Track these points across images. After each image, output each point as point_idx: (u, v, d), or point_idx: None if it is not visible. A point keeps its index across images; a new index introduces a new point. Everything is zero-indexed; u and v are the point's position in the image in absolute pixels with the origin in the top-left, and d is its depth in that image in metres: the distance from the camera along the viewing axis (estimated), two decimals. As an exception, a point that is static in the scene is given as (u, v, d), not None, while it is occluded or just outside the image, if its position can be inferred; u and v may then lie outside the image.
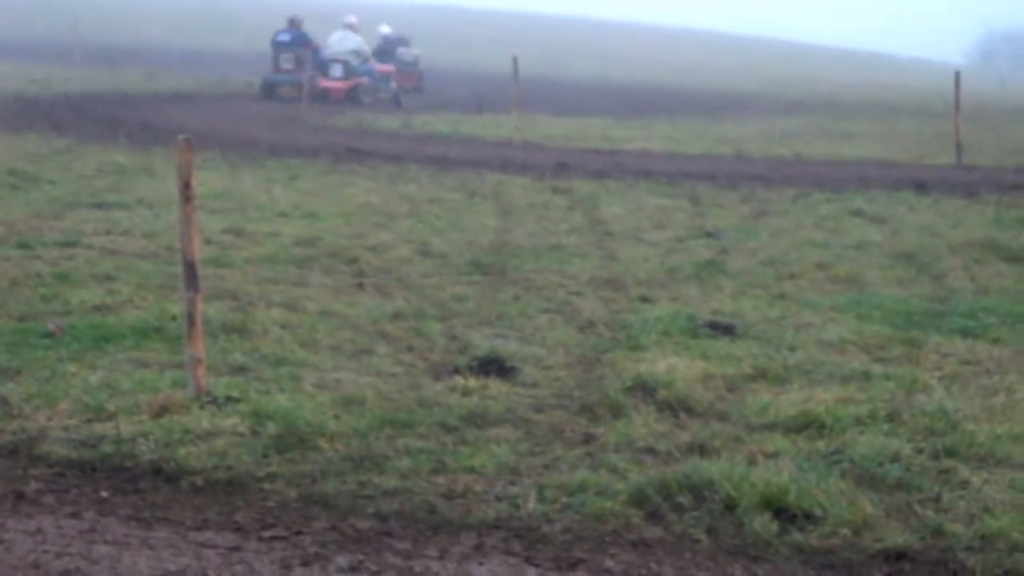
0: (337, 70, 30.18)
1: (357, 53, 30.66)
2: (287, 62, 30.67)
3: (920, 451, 6.51)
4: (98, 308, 9.10)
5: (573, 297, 10.27)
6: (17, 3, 73.89)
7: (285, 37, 30.98)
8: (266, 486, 5.97)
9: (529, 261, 11.68)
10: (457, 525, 5.62)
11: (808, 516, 5.62)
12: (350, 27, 30.85)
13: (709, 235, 13.44)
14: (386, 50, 33.46)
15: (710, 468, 5.97)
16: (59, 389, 7.17)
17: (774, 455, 6.35)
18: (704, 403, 7.33)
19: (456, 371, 7.82)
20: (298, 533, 5.50)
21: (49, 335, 8.29)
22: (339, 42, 30.65)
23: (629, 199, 16.15)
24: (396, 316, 9.31)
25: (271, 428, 6.58)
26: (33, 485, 5.94)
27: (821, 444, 6.59)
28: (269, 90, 30.50)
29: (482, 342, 8.61)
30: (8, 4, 72.23)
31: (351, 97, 30.01)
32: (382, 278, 10.69)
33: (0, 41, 45.47)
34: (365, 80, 30.75)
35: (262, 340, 8.43)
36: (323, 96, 29.33)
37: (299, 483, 6.00)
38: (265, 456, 6.29)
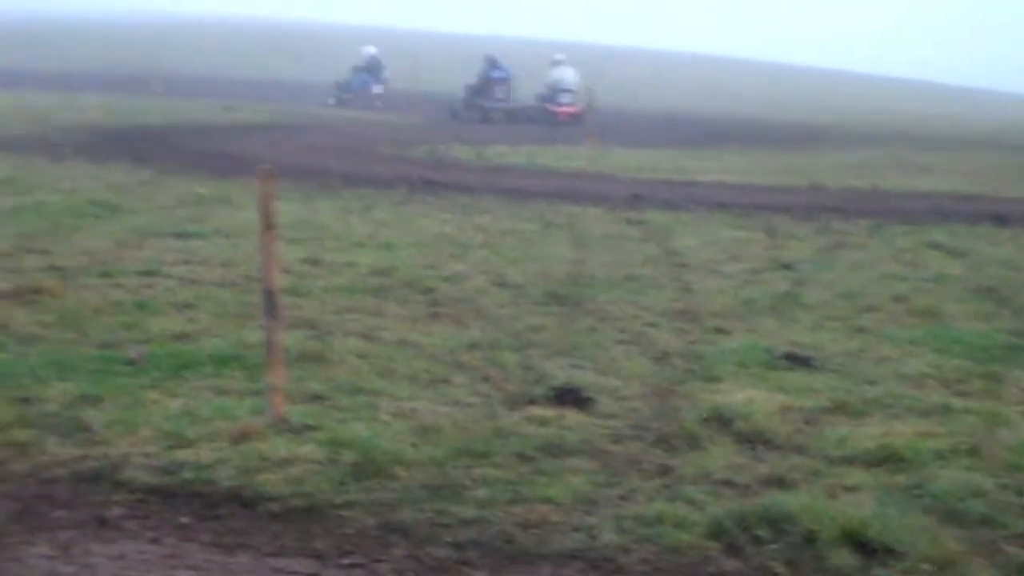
0: (566, 97, 36.37)
1: (575, 84, 36.57)
2: (501, 92, 37.15)
3: (1004, 487, 6.42)
4: (178, 336, 9.20)
5: (648, 328, 10.25)
6: (98, 37, 75.19)
7: (500, 74, 37.40)
8: (344, 513, 6.00)
9: (604, 292, 11.67)
10: (534, 555, 5.61)
11: (889, 551, 5.55)
12: (563, 63, 36.90)
13: (785, 267, 13.36)
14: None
15: (789, 501, 5.93)
16: (140, 416, 7.26)
17: (854, 489, 6.30)
18: (782, 435, 7.28)
19: (532, 401, 7.83)
20: (376, 561, 5.52)
21: (130, 363, 8.39)
22: (565, 75, 36.67)
23: (703, 230, 16.10)
24: (472, 346, 9.33)
25: (348, 456, 6.61)
26: (116, 510, 6.01)
27: (902, 478, 6.52)
28: (485, 114, 36.39)
29: (558, 372, 8.61)
30: (89, 38, 73.51)
31: (576, 120, 34.59)
32: (457, 308, 10.72)
33: (83, 74, 46.24)
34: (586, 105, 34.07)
35: (339, 369, 8.48)
36: (552, 119, 35.24)
37: (377, 511, 6.02)
38: (342, 484, 6.32)
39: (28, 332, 9.11)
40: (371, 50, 41.82)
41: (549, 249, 14.20)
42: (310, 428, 7.05)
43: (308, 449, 6.71)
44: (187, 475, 6.42)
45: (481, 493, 6.22)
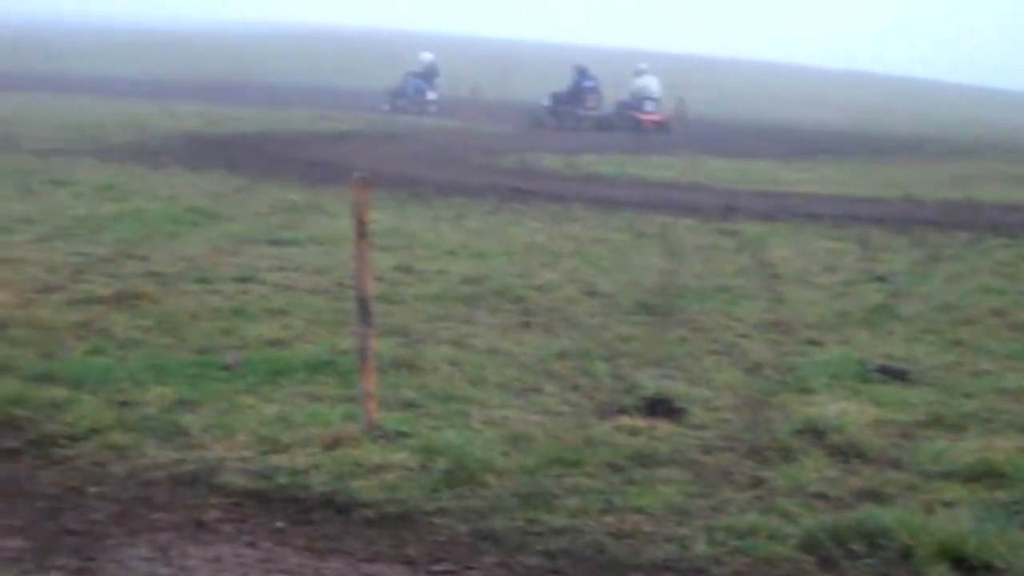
0: (650, 105, 37.09)
1: (659, 92, 37.40)
2: (592, 101, 38.11)
3: (1106, 504, 6.29)
4: (272, 342, 9.31)
5: (740, 339, 10.19)
6: (196, 46, 76.33)
7: (590, 83, 38.33)
8: (436, 521, 6.04)
9: (696, 302, 11.63)
10: (626, 565, 5.61)
11: (989, 568, 5.48)
12: (646, 72, 37.52)
13: (879, 279, 13.22)
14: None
15: (885, 515, 5.86)
16: (236, 421, 7.35)
17: (951, 504, 6.22)
18: (877, 449, 7.20)
19: (623, 411, 7.82)
20: (468, 568, 5.54)
21: (226, 368, 8.51)
22: (649, 83, 37.41)
23: (797, 241, 15.98)
24: (562, 355, 9.34)
25: (441, 463, 6.65)
26: (212, 514, 6.09)
27: (1001, 494, 6.42)
28: (577, 122, 37.29)
29: (649, 382, 8.60)
30: (187, 47, 74.66)
31: (660, 128, 36.06)
32: (548, 317, 10.73)
33: (181, 83, 46.97)
34: (670, 114, 37.37)
35: (431, 376, 8.53)
36: (638, 126, 35.92)
37: (468, 518, 6.05)
38: (435, 490, 6.35)
39: (128, 337, 9.27)
40: (428, 56, 42.03)
41: (640, 259, 14.18)
42: (403, 435, 7.09)
43: (401, 456, 6.76)
44: (282, 480, 6.49)
45: (572, 502, 6.22)
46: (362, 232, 7.39)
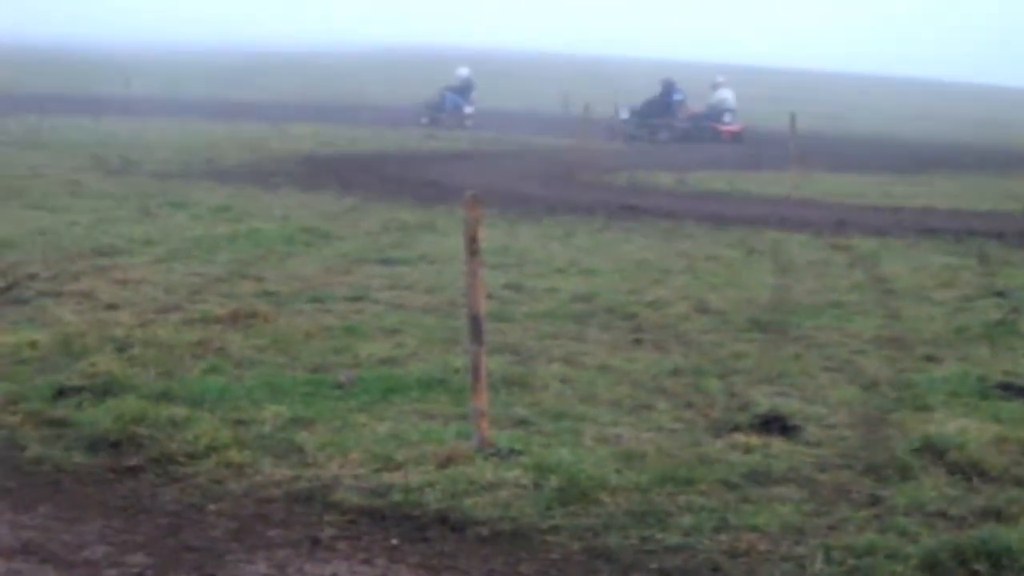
0: (728, 117, 39.11)
1: (735, 104, 39.75)
2: (682, 114, 39.16)
3: None
4: (385, 360, 9.39)
5: (856, 356, 10.06)
6: (308, 68, 77.35)
7: (680, 96, 39.34)
8: (550, 538, 6.03)
9: (809, 319, 11.50)
10: (741, 584, 5.55)
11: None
12: (723, 84, 39.59)
13: (999, 294, 12.95)
14: None
15: (1008, 535, 5.74)
16: (350, 439, 7.42)
17: (1077, 524, 6.06)
18: (998, 467, 7.05)
19: (737, 428, 7.75)
20: (582, 586, 5.52)
21: (340, 386, 8.59)
22: (727, 95, 39.49)
23: (912, 257, 15.73)
24: (675, 372, 9.29)
25: (553, 481, 6.64)
26: (328, 531, 6.15)
27: None
28: (673, 134, 38.41)
29: (763, 400, 8.52)
30: (299, 69, 75.64)
31: (737, 138, 38.10)
32: (660, 334, 10.69)
33: (292, 104, 47.61)
34: (744, 125, 39.52)
35: (543, 394, 8.54)
36: (717, 136, 37.81)
37: (582, 536, 6.04)
38: (548, 508, 6.35)
39: (244, 356, 9.41)
40: (464, 71, 42.76)
41: (753, 275, 14.06)
42: (515, 453, 7.10)
43: (514, 474, 6.77)
44: (396, 497, 6.53)
45: (687, 520, 6.18)
46: (473, 250, 7.42)
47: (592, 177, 26.20)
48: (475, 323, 7.43)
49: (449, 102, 42.08)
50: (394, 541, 6.04)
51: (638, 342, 10.38)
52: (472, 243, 7.42)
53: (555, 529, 6.13)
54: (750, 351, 10.11)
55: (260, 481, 6.80)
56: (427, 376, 8.85)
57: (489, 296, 11.22)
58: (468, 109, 41.86)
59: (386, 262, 14.07)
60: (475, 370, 7.41)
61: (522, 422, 7.87)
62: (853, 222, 19.03)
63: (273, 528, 6.20)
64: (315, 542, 6.01)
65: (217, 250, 14.43)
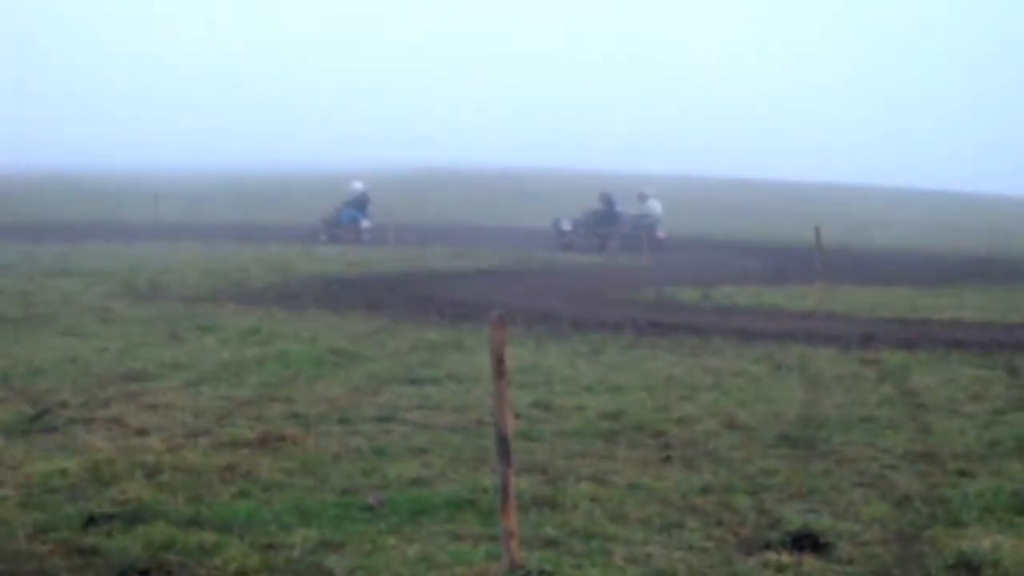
0: (659, 225, 42.11)
1: (662, 214, 42.82)
2: (626, 224, 41.76)
3: None
4: (414, 481, 9.38)
5: (887, 471, 10.00)
6: (332, 189, 78.11)
7: (621, 208, 42.31)
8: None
9: (839, 434, 11.44)
10: None
11: None
12: (653, 196, 42.85)
13: (1030, 406, 12.87)
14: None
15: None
16: (380, 562, 7.39)
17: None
18: (1034, 583, 6.97)
19: (768, 546, 7.70)
20: None
21: (369, 508, 8.58)
22: (658, 206, 42.62)
23: (941, 370, 15.66)
24: (705, 490, 9.25)
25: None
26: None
27: None
28: (623, 242, 40.94)
29: (794, 516, 8.47)
30: (325, 191, 76.41)
31: (664, 245, 40.68)
32: (689, 451, 10.65)
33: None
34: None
35: (572, 514, 8.50)
36: (657, 244, 39.70)
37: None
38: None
39: (272, 479, 9.41)
40: (359, 185, 44.16)
41: (780, 390, 14.02)
42: (546, 574, 7.06)
43: (544, 596, 6.72)
44: (425, 621, 6.49)
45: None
46: (500, 371, 7.45)
47: (618, 293, 26.28)
48: (503, 444, 7.43)
49: (346, 217, 43.41)
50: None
51: (667, 459, 10.35)
52: (499, 364, 7.45)
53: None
54: (780, 467, 10.05)
55: (289, 607, 6.77)
56: (456, 497, 8.83)
57: (517, 415, 11.25)
58: (365, 223, 43.09)
59: (414, 382, 14.10)
60: (504, 490, 7.39)
61: (552, 542, 7.83)
62: (881, 335, 19.00)
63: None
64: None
65: (246, 373, 14.50)
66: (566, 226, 42.16)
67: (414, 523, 8.26)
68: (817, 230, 24.39)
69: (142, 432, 11.07)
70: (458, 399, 12.98)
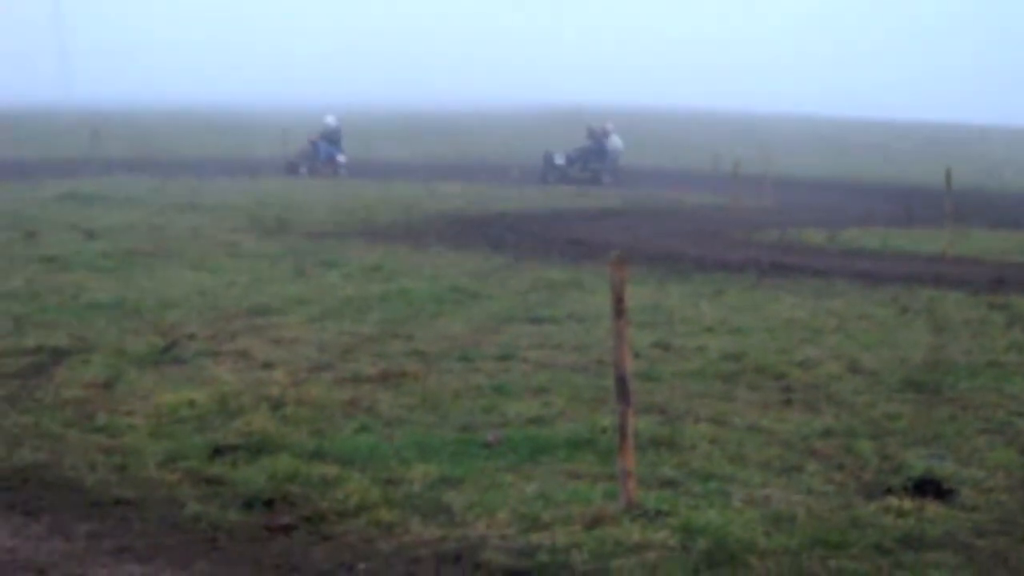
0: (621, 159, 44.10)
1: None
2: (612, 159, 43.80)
3: None
4: (533, 420, 9.43)
5: (1014, 417, 9.80)
6: (460, 127, 78.37)
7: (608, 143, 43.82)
8: (697, 602, 5.98)
9: (965, 379, 11.23)
10: (894, 653, 5.43)
11: None
12: (615, 131, 44.07)
13: None
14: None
15: None
16: (497, 499, 7.46)
17: None
18: None
19: (890, 491, 7.61)
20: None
21: (487, 446, 8.65)
22: (619, 142, 44.15)
23: (1075, 314, 15.28)
24: (826, 433, 9.17)
25: (701, 543, 6.60)
26: (475, 591, 6.18)
27: None
28: (596, 176, 43.03)
29: (916, 462, 8.35)
30: (452, 129, 76.70)
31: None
32: (810, 394, 10.55)
33: (445, 163, 48.31)
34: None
35: (690, 454, 8.49)
36: (618, 178, 42.54)
37: (730, 600, 5.97)
38: (696, 571, 6.31)
39: (393, 415, 9.54)
40: (332, 120, 43.86)
41: (906, 334, 13.80)
42: (663, 514, 7.07)
43: (661, 535, 6.74)
44: (543, 558, 6.54)
45: (838, 586, 6.08)
46: (620, 310, 7.44)
47: (741, 235, 26.04)
48: (622, 384, 7.43)
49: (323, 152, 43.39)
50: (541, 602, 6.05)
51: (788, 402, 10.26)
52: (618, 304, 7.44)
53: (703, 593, 6.07)
54: (904, 412, 9.92)
55: (409, 541, 6.87)
56: (575, 436, 8.86)
57: (637, 355, 11.23)
58: (341, 158, 43.28)
59: (534, 321, 14.14)
60: (622, 430, 7.40)
61: (669, 483, 7.83)
62: (1011, 280, 18.58)
63: (421, 588, 6.25)
64: (463, 602, 6.05)
65: (368, 309, 14.66)
66: (559, 160, 43.24)
67: (532, 461, 8.31)
68: (948, 172, 23.88)
69: (267, 365, 11.28)
70: (578, 338, 13.00)
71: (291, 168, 42.36)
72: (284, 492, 7.58)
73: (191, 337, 12.49)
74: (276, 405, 9.67)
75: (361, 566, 6.47)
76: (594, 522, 6.94)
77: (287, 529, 7.09)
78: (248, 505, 7.44)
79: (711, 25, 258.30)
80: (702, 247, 23.18)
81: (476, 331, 13.38)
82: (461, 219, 27.69)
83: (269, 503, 7.44)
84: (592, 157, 43.62)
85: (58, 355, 11.55)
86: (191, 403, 9.70)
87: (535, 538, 6.80)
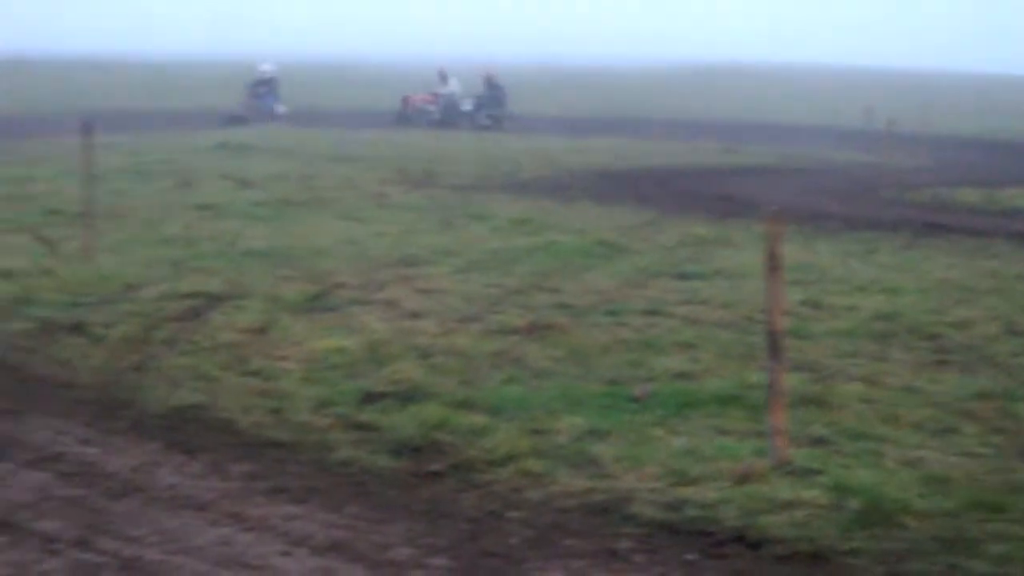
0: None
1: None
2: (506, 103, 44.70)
3: None
4: (680, 375, 9.37)
5: None
6: (604, 83, 78.09)
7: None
8: (850, 561, 5.91)
9: None
10: (1055, 620, 5.30)
11: None
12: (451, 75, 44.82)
13: None
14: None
15: None
16: (645, 452, 7.44)
17: None
18: None
19: (1050, 456, 7.41)
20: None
21: (635, 400, 8.63)
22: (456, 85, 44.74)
23: None
24: (982, 395, 8.95)
25: (854, 502, 6.51)
26: (624, 543, 6.19)
27: None
28: (498, 121, 43.83)
29: (1078, 427, 8.11)
30: (597, 84, 76.46)
31: None
32: (966, 355, 10.31)
33: (590, 118, 48.16)
34: None
35: (841, 413, 8.37)
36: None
37: (885, 560, 5.89)
38: (848, 530, 6.22)
39: (541, 367, 9.56)
40: (268, 67, 44.01)
41: (1067, 296, 13.39)
42: (813, 472, 6.99)
43: (812, 493, 6.66)
44: (691, 512, 6.52)
45: (997, 549, 5.95)
46: (774, 266, 7.34)
47: (894, 193, 25.50)
48: (774, 340, 7.35)
49: (264, 102, 43.12)
50: (690, 556, 6.03)
51: (942, 363, 10.04)
52: (773, 259, 7.34)
53: (856, 552, 5.99)
54: (1064, 376, 9.64)
55: (557, 491, 6.90)
56: (723, 392, 8.79)
57: (787, 312, 11.06)
58: (281, 108, 43.06)
59: (682, 276, 14.03)
60: (772, 387, 7.33)
61: (820, 441, 7.73)
62: None
63: (570, 538, 6.27)
64: (612, 554, 6.06)
65: (515, 262, 14.69)
66: (467, 107, 44.56)
67: (680, 416, 8.27)
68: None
69: (416, 315, 11.38)
70: (726, 295, 12.86)
71: (238, 120, 41.52)
72: (433, 440, 7.66)
73: (341, 285, 12.66)
74: (424, 354, 9.76)
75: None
76: (743, 478, 6.89)
77: (436, 476, 7.17)
78: (398, 452, 7.54)
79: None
80: (852, 205, 22.75)
81: (623, 285, 13.33)
82: (607, 174, 27.57)
83: (418, 450, 7.53)
84: (492, 103, 44.88)
85: (214, 300, 11.80)
86: (342, 350, 9.84)
87: (684, 492, 6.78)
